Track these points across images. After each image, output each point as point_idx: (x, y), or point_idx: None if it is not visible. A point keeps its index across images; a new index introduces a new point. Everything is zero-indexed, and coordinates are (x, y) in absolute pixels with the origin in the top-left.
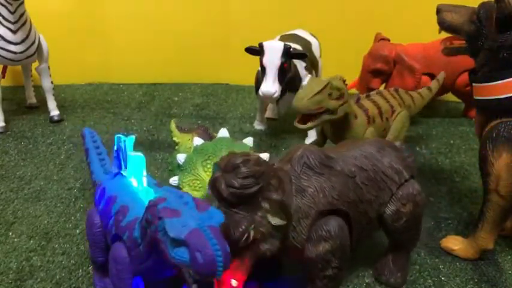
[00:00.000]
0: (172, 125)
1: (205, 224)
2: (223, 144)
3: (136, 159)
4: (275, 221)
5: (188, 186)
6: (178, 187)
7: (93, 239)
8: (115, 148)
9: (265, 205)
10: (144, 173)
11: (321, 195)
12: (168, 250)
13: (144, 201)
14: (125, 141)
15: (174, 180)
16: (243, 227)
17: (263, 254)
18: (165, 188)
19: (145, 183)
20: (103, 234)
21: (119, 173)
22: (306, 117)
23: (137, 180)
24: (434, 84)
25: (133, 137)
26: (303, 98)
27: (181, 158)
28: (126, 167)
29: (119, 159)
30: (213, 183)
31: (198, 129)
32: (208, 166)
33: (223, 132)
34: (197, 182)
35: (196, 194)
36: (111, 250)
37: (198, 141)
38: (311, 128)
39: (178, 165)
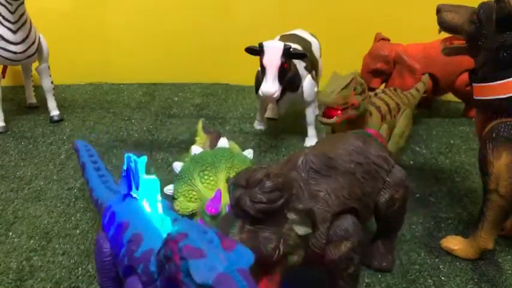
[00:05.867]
0: (200, 124)
1: (234, 267)
2: (222, 156)
3: (150, 182)
4: (302, 230)
5: (183, 196)
6: (173, 197)
7: (102, 268)
8: (124, 168)
9: (292, 216)
10: (159, 197)
11: (333, 197)
12: None
13: (160, 230)
14: (135, 161)
15: (168, 189)
16: (274, 243)
17: (292, 266)
18: (185, 221)
19: (160, 209)
20: (113, 262)
21: (128, 195)
22: (330, 112)
23: (151, 206)
24: (420, 85)
25: (145, 157)
26: (331, 93)
27: (177, 166)
28: (137, 189)
29: (129, 179)
30: (237, 202)
31: (213, 135)
32: (206, 177)
33: (223, 142)
34: (193, 193)
35: (192, 206)
36: (126, 285)
37: (196, 150)
38: (336, 123)
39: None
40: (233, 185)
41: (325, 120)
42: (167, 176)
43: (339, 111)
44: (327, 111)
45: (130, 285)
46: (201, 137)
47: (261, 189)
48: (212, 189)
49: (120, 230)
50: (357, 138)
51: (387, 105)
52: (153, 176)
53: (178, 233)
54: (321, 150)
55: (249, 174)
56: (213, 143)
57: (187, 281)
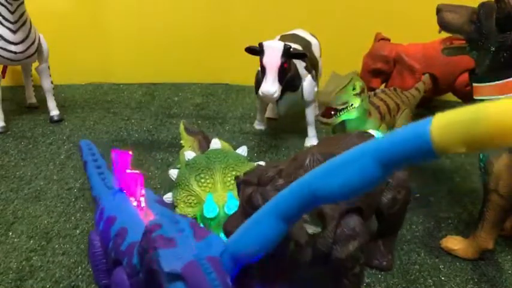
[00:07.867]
0: (181, 127)
1: (203, 255)
2: (216, 157)
3: (133, 177)
4: (312, 229)
5: (183, 203)
6: (173, 204)
7: (94, 262)
8: (115, 165)
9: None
10: (143, 191)
11: None
12: (163, 284)
13: (144, 223)
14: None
15: (168, 197)
16: (285, 242)
17: (298, 266)
18: (160, 211)
19: (143, 203)
20: (104, 256)
21: (119, 191)
22: (329, 112)
23: (135, 200)
24: (420, 85)
25: (129, 153)
26: (330, 93)
27: (173, 173)
28: (121, 184)
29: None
30: (248, 199)
31: (199, 136)
32: (202, 181)
33: (215, 143)
34: (192, 198)
35: (192, 211)
36: (112, 275)
37: (189, 155)
38: (335, 123)
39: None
40: (244, 182)
41: (324, 120)
42: (167, 176)
43: (337, 112)
44: (326, 110)
45: (116, 276)
46: (186, 139)
47: (273, 187)
48: (210, 191)
49: (108, 225)
50: (357, 138)
51: (387, 105)
52: (137, 171)
53: (153, 224)
54: (324, 150)
55: (261, 172)
56: (202, 144)
57: (160, 270)
